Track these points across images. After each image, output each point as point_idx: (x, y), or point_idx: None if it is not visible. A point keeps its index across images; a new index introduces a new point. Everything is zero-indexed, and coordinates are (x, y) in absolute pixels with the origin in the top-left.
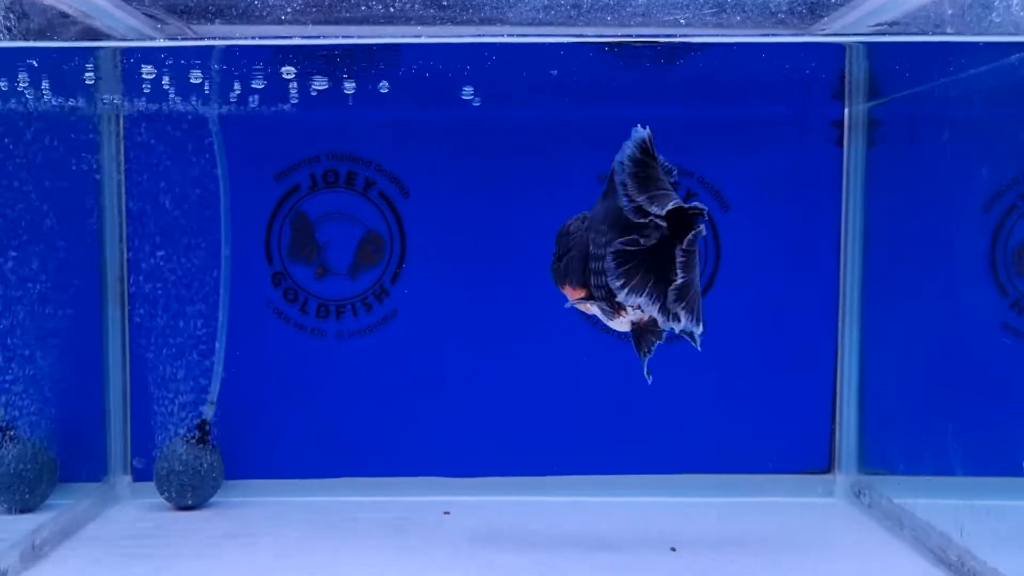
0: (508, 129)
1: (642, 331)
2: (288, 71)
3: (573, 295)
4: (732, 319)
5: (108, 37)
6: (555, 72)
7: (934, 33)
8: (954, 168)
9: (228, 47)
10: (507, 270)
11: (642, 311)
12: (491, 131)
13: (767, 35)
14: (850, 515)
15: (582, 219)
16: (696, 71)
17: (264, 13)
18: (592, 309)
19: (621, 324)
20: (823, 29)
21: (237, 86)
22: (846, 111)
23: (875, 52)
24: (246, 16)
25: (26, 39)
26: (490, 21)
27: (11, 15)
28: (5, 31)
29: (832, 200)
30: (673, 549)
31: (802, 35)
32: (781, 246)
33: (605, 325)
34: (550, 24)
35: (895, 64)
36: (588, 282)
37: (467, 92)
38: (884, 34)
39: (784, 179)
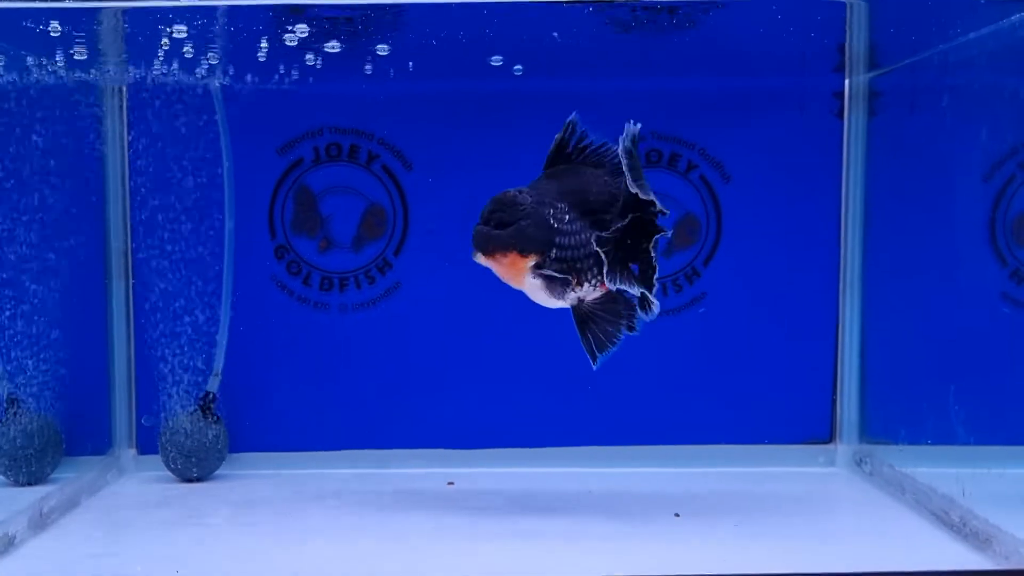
0: (509, 101)
1: (586, 315)
2: (291, 38)
3: (520, 261)
4: (733, 290)
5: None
6: (556, 34)
7: None
8: (954, 138)
9: (231, 16)
10: None
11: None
12: (493, 103)
13: None
14: (852, 483)
15: (528, 194)
16: (698, 43)
17: None
18: (535, 282)
19: (567, 299)
20: None
21: (240, 58)
22: (847, 82)
23: (876, 19)
24: None
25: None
26: None
27: None
28: None
29: (833, 171)
30: (677, 515)
31: None
32: (782, 217)
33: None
34: None
35: (896, 32)
36: (545, 252)
37: (470, 63)
38: None
39: (785, 150)
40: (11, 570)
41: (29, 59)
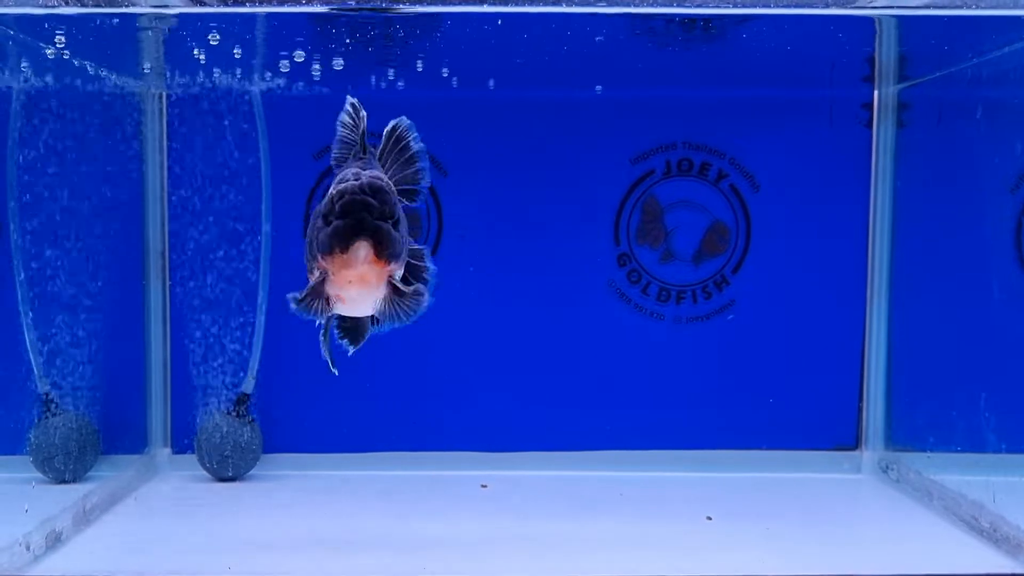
0: (543, 108)
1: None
2: (329, 48)
3: (387, 270)
4: (761, 297)
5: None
6: (598, 38)
7: (977, 7)
8: (982, 149)
9: (269, 24)
10: (543, 247)
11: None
12: (527, 110)
13: (803, 8)
14: (878, 489)
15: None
16: (728, 53)
17: None
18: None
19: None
20: (854, 1)
21: (278, 63)
22: (876, 94)
23: (906, 33)
24: None
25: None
26: None
27: None
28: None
29: (861, 181)
30: (709, 518)
31: (839, 9)
32: (810, 225)
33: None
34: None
35: (926, 45)
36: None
37: (502, 70)
38: (926, 7)
39: (814, 160)
40: (60, 566)
41: (69, 61)
